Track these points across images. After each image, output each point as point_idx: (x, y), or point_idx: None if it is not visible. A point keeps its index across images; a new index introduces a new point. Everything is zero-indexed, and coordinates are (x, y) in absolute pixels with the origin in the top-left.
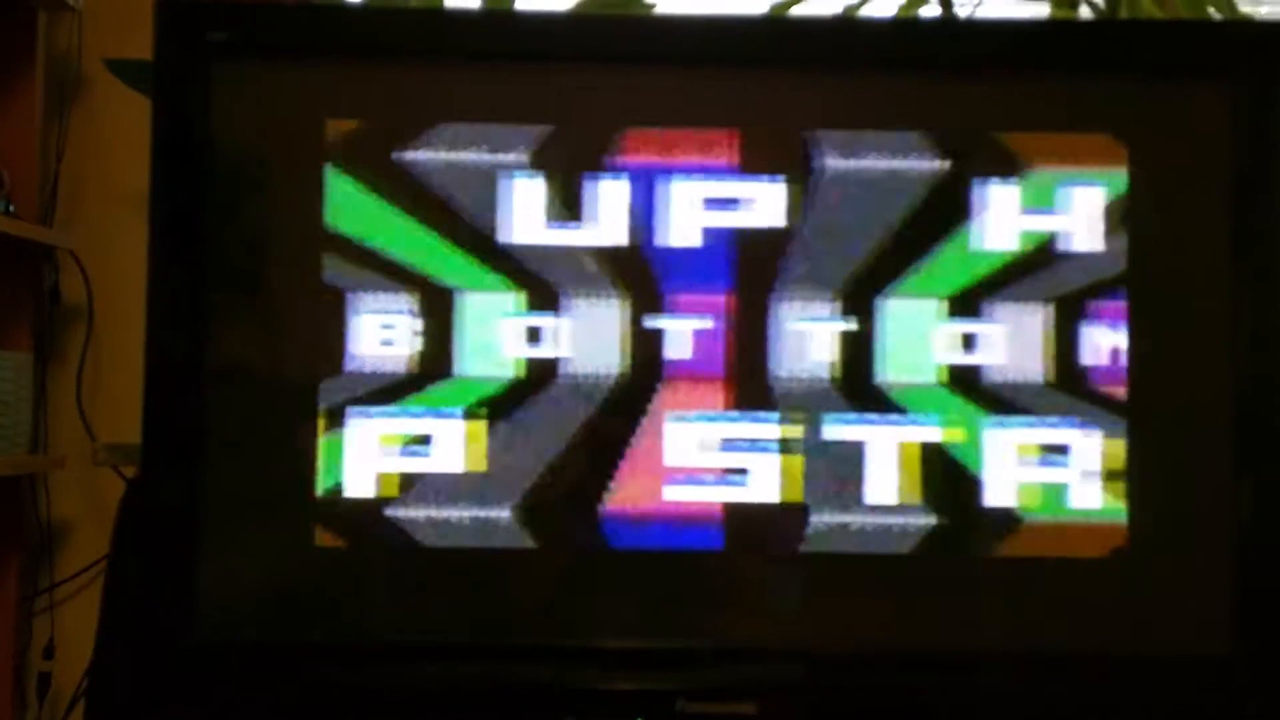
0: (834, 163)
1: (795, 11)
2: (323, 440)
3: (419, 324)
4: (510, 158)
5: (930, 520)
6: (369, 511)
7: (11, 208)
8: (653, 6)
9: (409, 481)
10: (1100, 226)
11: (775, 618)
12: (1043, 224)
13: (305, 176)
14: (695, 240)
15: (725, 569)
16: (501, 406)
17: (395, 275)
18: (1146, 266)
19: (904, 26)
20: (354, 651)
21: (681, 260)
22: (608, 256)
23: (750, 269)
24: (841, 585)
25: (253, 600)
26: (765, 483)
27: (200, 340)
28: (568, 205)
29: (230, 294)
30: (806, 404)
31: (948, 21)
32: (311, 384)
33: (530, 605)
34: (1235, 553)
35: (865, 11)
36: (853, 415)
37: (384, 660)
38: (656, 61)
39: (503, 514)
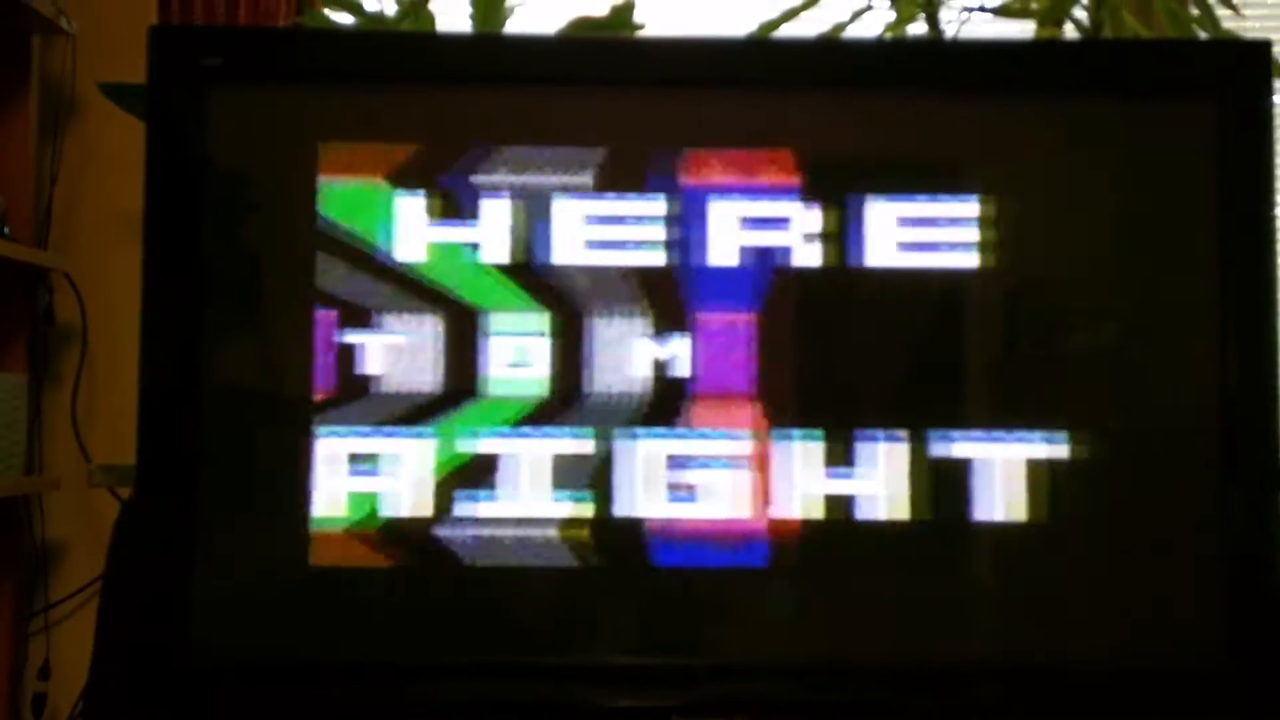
0: None
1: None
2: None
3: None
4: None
5: None
6: (364, 529)
7: (6, 230)
8: (641, 27)
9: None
10: None
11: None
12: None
13: (298, 198)
14: None
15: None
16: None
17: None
18: (1129, 284)
19: (889, 47)
20: (350, 670)
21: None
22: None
23: None
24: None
25: (248, 619)
26: None
27: (194, 361)
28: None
29: (224, 315)
30: None
31: (934, 41)
32: (306, 403)
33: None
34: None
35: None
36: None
37: (380, 679)
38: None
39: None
